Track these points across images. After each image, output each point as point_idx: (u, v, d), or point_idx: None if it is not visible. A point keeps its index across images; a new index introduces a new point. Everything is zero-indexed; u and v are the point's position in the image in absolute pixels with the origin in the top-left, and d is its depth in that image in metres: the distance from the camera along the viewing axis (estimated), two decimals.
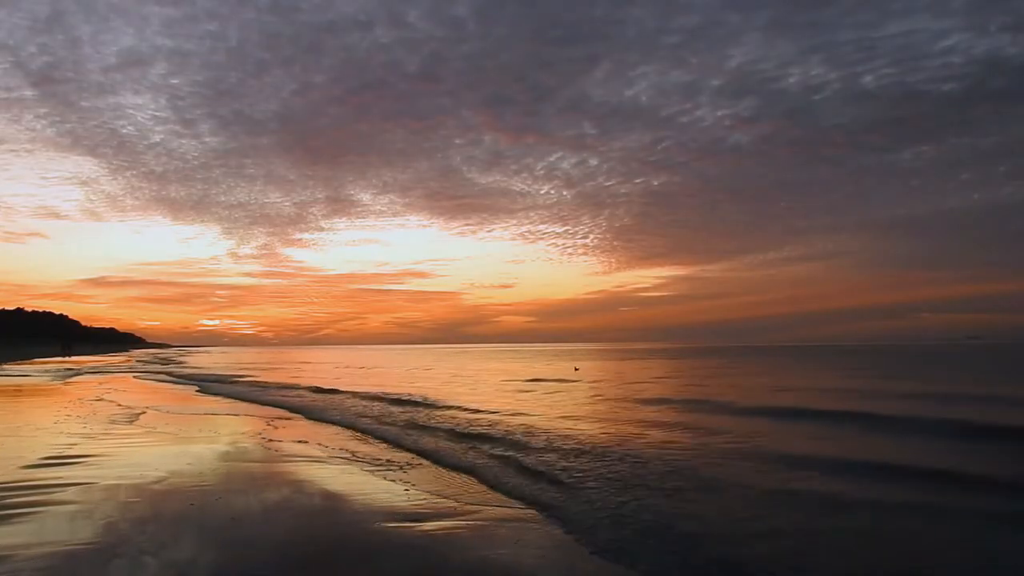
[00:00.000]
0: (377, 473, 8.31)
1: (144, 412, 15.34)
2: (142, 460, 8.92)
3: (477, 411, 14.94)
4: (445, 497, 6.96)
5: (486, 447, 9.96)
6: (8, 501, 6.53)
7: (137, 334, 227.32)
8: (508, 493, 7.15)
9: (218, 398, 20.23)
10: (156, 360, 63.00)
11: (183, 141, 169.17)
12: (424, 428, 12.33)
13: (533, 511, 6.43)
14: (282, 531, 5.74)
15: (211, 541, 5.37)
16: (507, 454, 9.27)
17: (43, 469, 8.20)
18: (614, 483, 7.37)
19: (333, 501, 6.83)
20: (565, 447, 9.76)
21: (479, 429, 11.83)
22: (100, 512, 6.18)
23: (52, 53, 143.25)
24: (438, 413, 14.74)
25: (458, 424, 12.60)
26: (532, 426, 12.17)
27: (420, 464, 8.96)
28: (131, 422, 13.34)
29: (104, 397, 19.57)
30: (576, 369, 36.98)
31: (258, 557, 5.02)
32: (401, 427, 12.59)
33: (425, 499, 6.87)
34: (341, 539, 5.50)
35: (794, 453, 9.20)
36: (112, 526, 5.73)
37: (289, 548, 5.26)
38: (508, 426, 12.23)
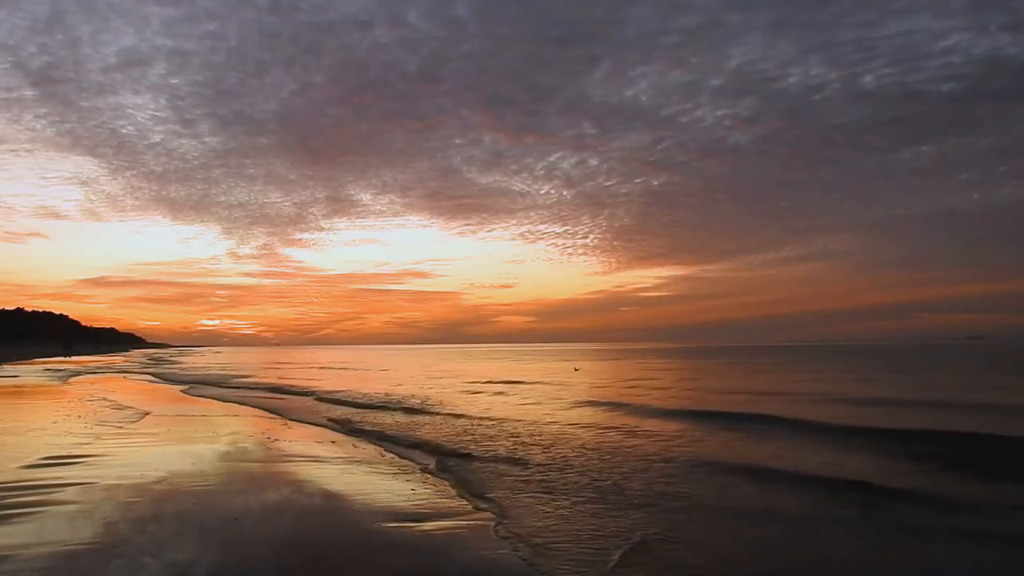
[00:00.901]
0: (373, 474, 8.33)
1: (144, 412, 15.34)
2: (142, 460, 8.93)
3: (427, 412, 15.28)
4: (449, 497, 6.98)
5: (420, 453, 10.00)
6: (8, 501, 6.54)
7: (137, 334, 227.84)
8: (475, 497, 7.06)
9: (214, 399, 20.25)
10: (154, 360, 63.01)
11: (183, 141, 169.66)
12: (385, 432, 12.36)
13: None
14: (282, 531, 5.74)
15: (212, 541, 5.37)
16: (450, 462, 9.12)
17: (43, 469, 8.20)
18: (524, 493, 7.21)
19: (332, 501, 6.84)
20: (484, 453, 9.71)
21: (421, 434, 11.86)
22: (100, 512, 6.18)
23: (52, 53, 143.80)
24: (378, 417, 14.93)
25: (397, 427, 12.81)
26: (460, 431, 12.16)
27: (393, 461, 8.99)
28: (130, 422, 13.35)
29: (102, 397, 19.57)
30: (576, 369, 36.98)
31: (259, 557, 5.02)
32: (374, 432, 12.50)
33: (425, 499, 6.89)
34: (341, 539, 5.51)
35: (711, 460, 8.97)
36: (112, 526, 5.73)
37: (289, 548, 5.26)
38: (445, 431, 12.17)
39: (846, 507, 6.59)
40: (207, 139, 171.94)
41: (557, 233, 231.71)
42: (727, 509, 6.52)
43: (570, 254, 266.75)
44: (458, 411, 15.43)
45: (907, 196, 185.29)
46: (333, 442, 11.06)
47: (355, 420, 14.05)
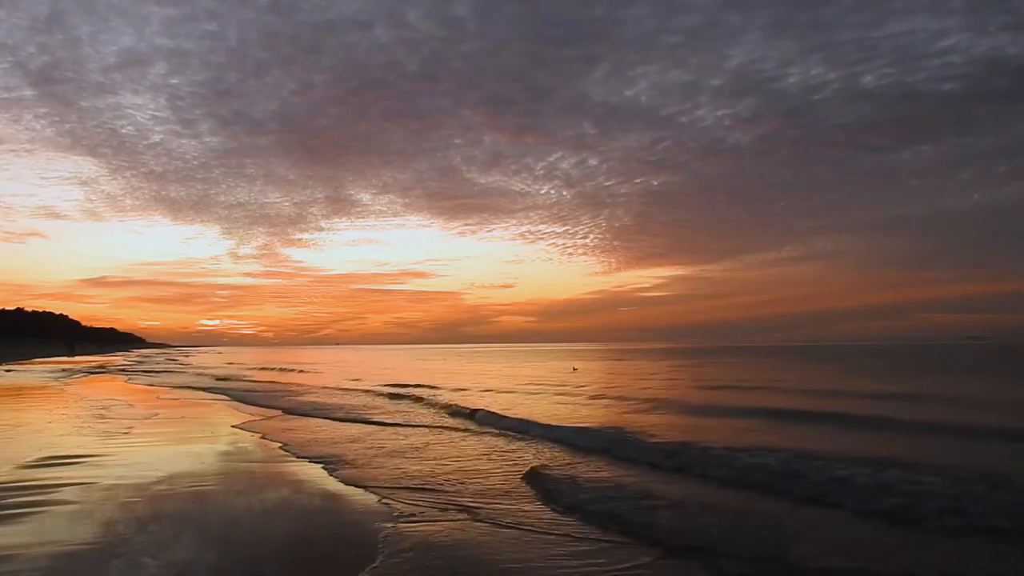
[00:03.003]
0: (370, 473, 8.36)
1: (143, 411, 15.37)
2: (142, 460, 8.96)
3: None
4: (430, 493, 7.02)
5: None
6: (8, 501, 6.57)
7: (137, 334, 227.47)
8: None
9: (219, 402, 20.29)
10: (153, 360, 63.07)
11: (183, 141, 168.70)
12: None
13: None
14: (282, 531, 5.77)
15: (211, 541, 5.40)
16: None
17: (43, 469, 8.23)
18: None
19: (332, 501, 6.87)
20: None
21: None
22: (100, 512, 6.22)
23: (52, 53, 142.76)
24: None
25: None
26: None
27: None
28: (130, 422, 13.37)
29: (102, 397, 19.63)
30: (574, 369, 37.02)
31: (258, 557, 5.05)
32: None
33: (415, 499, 6.92)
34: (341, 539, 5.53)
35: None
36: (112, 526, 5.76)
37: (289, 548, 5.29)
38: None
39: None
40: (207, 139, 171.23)
41: (557, 233, 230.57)
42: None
43: (570, 254, 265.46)
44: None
45: (907, 196, 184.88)
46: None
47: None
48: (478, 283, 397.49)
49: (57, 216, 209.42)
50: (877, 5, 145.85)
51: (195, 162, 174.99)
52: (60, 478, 7.67)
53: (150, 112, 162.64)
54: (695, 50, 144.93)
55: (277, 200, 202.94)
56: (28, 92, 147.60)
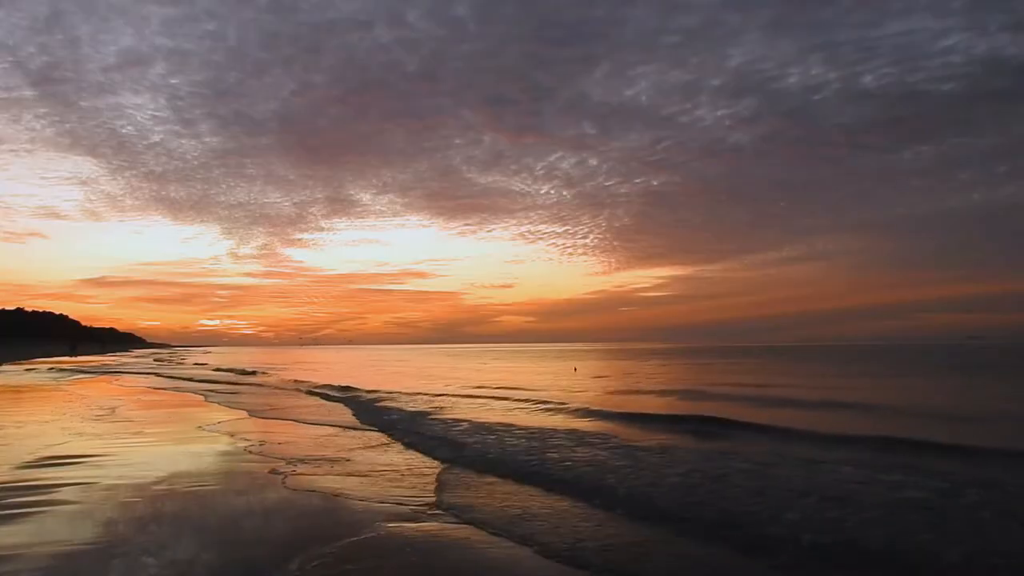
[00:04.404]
0: (373, 473, 8.36)
1: (142, 411, 15.36)
2: (142, 460, 8.95)
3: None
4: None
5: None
6: (8, 501, 6.56)
7: (137, 334, 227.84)
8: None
9: (222, 404, 20.28)
10: (154, 360, 63.07)
11: (183, 141, 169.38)
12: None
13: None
14: (282, 530, 5.76)
15: (211, 541, 5.39)
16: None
17: (43, 469, 8.22)
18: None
19: (332, 501, 6.86)
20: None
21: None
22: (100, 512, 6.21)
23: (51, 53, 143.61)
24: None
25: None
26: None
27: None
28: (129, 421, 13.36)
29: (102, 397, 19.61)
30: (575, 370, 37.00)
31: (258, 557, 5.04)
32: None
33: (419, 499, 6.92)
34: (341, 539, 5.53)
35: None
36: (112, 526, 5.76)
37: (289, 548, 5.28)
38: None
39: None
40: (207, 139, 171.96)
41: (557, 233, 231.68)
42: None
43: (570, 254, 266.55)
44: None
45: (907, 196, 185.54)
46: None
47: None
48: (478, 283, 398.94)
49: (57, 216, 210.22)
50: (877, 5, 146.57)
51: (195, 162, 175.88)
52: (60, 478, 7.66)
53: (150, 112, 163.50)
54: (695, 50, 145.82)
55: (277, 200, 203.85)
56: (28, 92, 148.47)
